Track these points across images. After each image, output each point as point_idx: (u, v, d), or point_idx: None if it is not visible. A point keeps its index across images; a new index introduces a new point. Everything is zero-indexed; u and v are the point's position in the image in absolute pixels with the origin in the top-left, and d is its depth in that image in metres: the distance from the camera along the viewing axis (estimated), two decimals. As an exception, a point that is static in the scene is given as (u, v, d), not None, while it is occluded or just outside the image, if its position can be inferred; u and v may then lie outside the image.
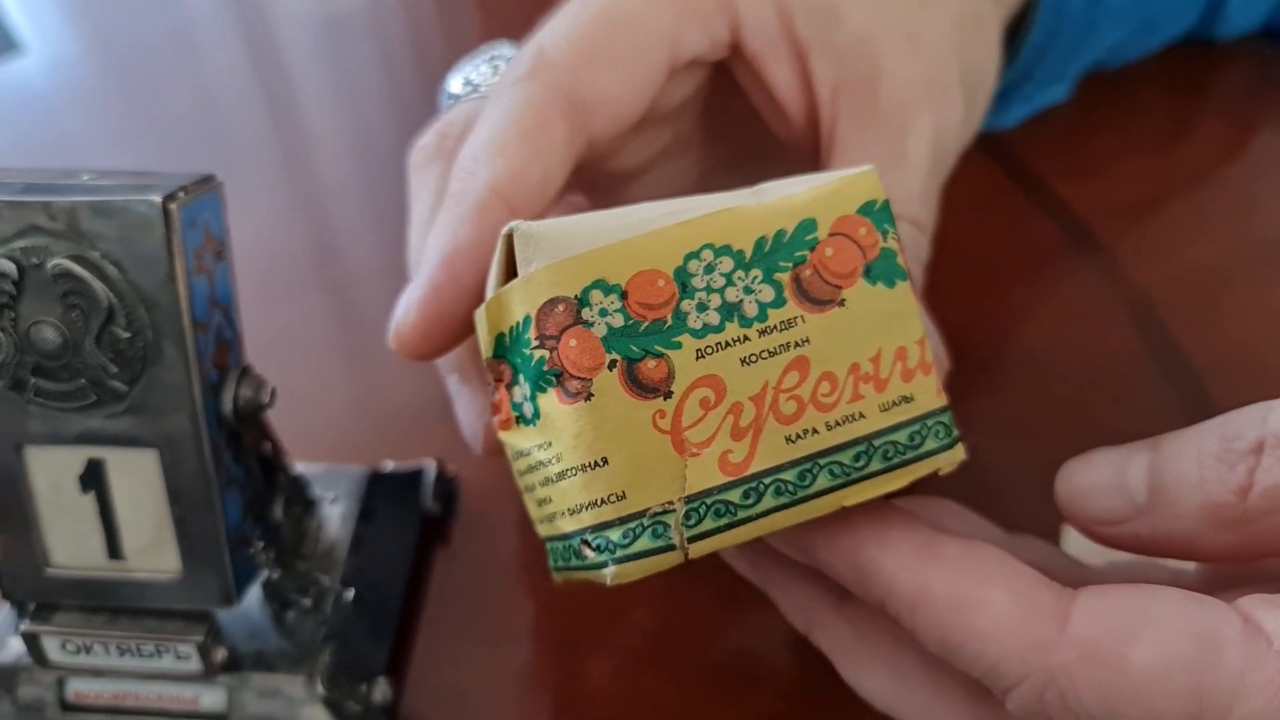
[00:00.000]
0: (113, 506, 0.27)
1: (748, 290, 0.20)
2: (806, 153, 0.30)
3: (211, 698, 0.29)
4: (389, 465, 0.34)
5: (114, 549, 0.28)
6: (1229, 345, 0.37)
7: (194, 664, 0.28)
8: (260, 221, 0.47)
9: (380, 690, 0.29)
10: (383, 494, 0.33)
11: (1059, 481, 0.24)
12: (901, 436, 0.21)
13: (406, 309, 0.25)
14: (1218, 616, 0.19)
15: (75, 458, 0.27)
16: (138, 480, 0.27)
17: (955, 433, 0.21)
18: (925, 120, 0.28)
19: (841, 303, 0.20)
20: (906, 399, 0.21)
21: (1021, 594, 0.20)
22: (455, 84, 0.34)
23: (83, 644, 0.28)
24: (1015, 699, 0.20)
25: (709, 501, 0.20)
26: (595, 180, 0.30)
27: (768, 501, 0.20)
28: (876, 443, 0.21)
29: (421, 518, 0.34)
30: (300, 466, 0.32)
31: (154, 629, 0.28)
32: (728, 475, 0.20)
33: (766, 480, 0.20)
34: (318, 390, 0.39)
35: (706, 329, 0.20)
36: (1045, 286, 0.39)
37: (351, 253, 0.46)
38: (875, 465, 0.20)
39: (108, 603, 0.28)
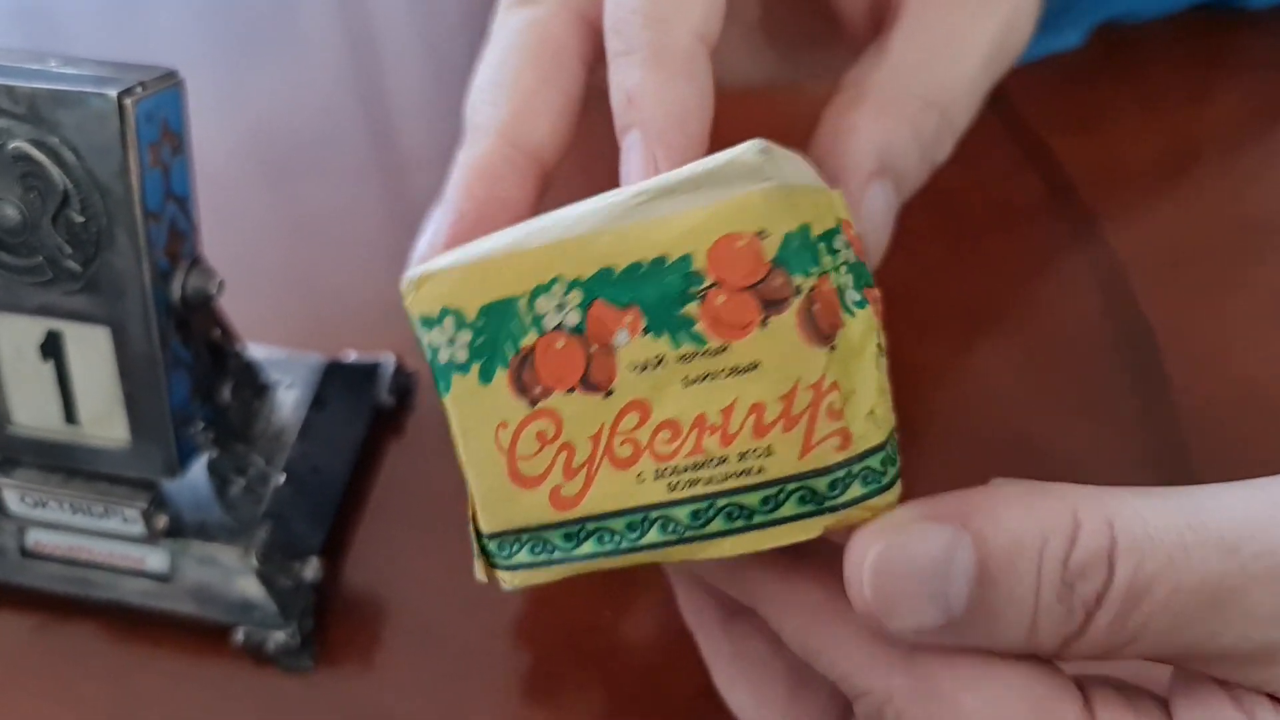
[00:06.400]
0: (70, 376, 0.29)
1: None
2: (864, 27, 0.29)
3: (156, 560, 0.31)
4: (351, 355, 0.36)
5: (70, 415, 0.30)
6: (1192, 320, 0.37)
7: (138, 527, 0.30)
8: (275, 100, 0.48)
9: (311, 568, 0.31)
10: (338, 383, 0.35)
11: (867, 566, 0.19)
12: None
13: (433, 242, 0.24)
14: (1062, 693, 0.19)
15: (36, 327, 0.29)
16: (92, 354, 0.29)
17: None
18: (996, 12, 0.28)
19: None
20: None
21: None
22: None
23: (39, 498, 0.30)
24: (859, 707, 0.21)
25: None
26: None
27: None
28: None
29: (375, 409, 0.35)
30: (259, 351, 0.34)
31: (104, 492, 0.30)
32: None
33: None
34: (291, 277, 0.41)
35: None
36: (1017, 240, 0.40)
37: (348, 143, 0.47)
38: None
39: (63, 463, 0.30)
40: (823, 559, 0.21)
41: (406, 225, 0.44)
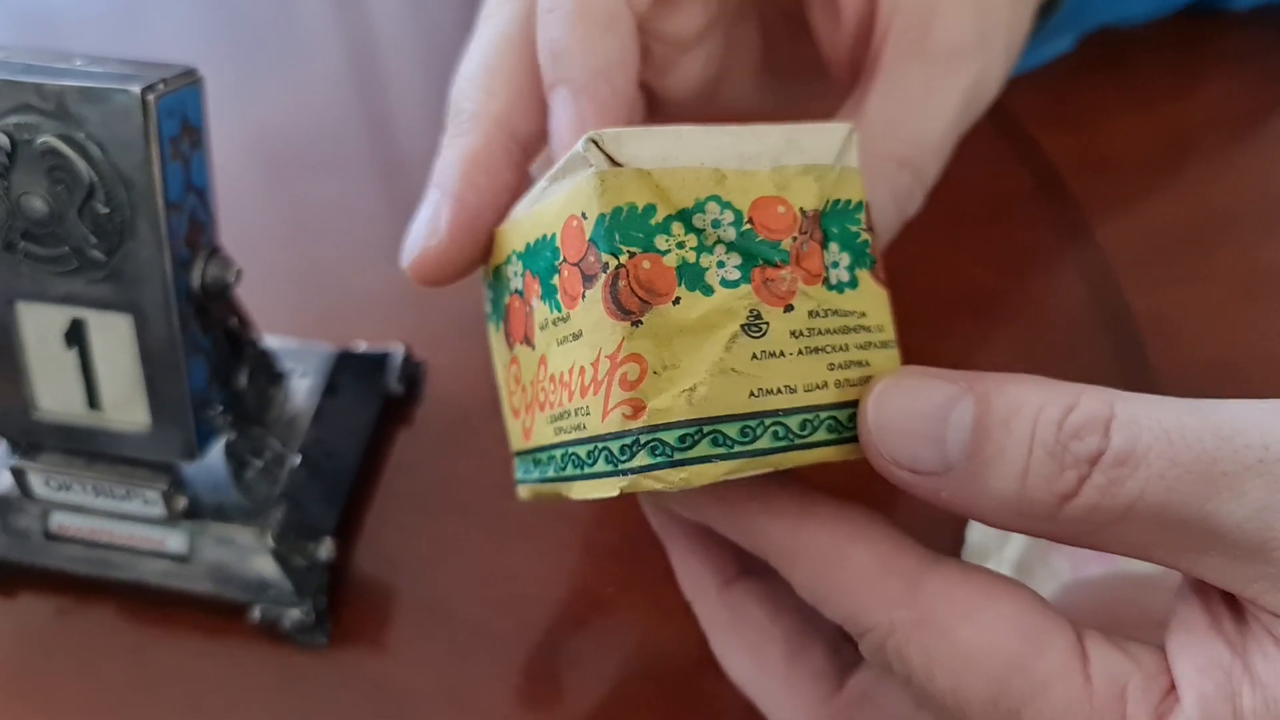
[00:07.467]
0: (92, 362, 0.30)
1: None
2: (845, 69, 0.30)
3: (175, 540, 0.32)
4: (361, 345, 0.37)
5: (93, 400, 0.31)
6: (1174, 307, 0.38)
7: (158, 509, 0.31)
8: (281, 101, 0.49)
9: (325, 548, 0.32)
10: (349, 372, 0.36)
11: (870, 405, 0.21)
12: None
13: (434, 227, 0.25)
14: (1054, 626, 0.20)
15: (60, 316, 0.30)
16: (114, 340, 0.30)
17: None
18: (967, 70, 0.28)
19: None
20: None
21: (882, 553, 0.21)
22: None
23: (63, 482, 0.32)
24: (863, 645, 0.22)
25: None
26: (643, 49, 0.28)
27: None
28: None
29: (385, 397, 0.36)
30: (274, 341, 0.35)
31: (125, 474, 0.31)
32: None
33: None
34: (302, 270, 0.42)
35: None
36: (1007, 232, 0.41)
37: (352, 140, 0.48)
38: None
39: (85, 447, 0.31)
40: (828, 509, 0.22)
41: (412, 219, 0.46)
